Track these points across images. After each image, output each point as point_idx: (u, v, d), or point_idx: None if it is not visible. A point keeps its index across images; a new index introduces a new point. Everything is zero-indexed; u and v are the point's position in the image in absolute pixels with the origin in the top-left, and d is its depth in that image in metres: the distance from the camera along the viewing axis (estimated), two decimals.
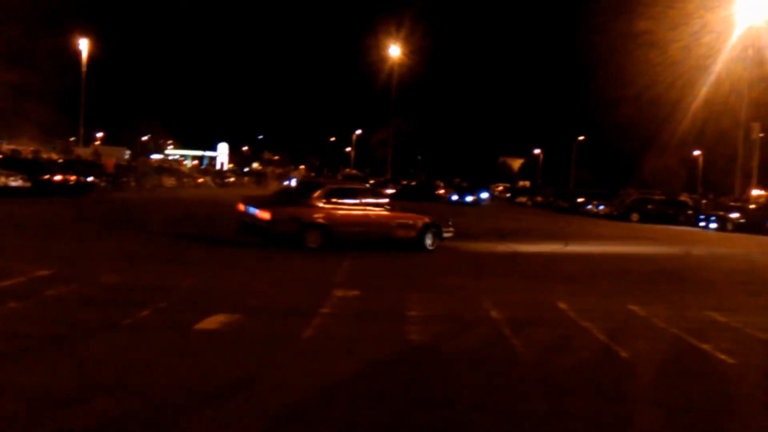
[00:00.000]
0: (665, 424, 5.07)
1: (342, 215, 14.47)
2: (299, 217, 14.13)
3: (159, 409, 4.69)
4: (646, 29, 43.96)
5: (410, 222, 15.39)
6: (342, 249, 14.03)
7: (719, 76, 39.99)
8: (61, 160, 37.69)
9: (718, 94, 42.27)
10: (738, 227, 32.68)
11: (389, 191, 48.05)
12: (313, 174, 69.87)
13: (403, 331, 7.36)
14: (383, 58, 54.24)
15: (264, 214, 14.10)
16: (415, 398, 5.26)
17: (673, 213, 39.01)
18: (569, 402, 5.37)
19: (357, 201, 14.96)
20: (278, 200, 15.70)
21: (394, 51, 52.91)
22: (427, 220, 15.49)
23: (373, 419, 4.77)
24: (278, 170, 79.50)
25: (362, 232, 14.80)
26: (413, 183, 56.25)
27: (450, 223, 16.36)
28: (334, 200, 14.58)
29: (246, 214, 14.90)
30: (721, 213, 35.14)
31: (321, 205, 14.37)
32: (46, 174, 27.90)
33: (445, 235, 15.95)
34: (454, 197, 50.44)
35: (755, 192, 44.06)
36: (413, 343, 6.91)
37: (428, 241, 15.39)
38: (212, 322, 7.30)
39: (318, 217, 14.20)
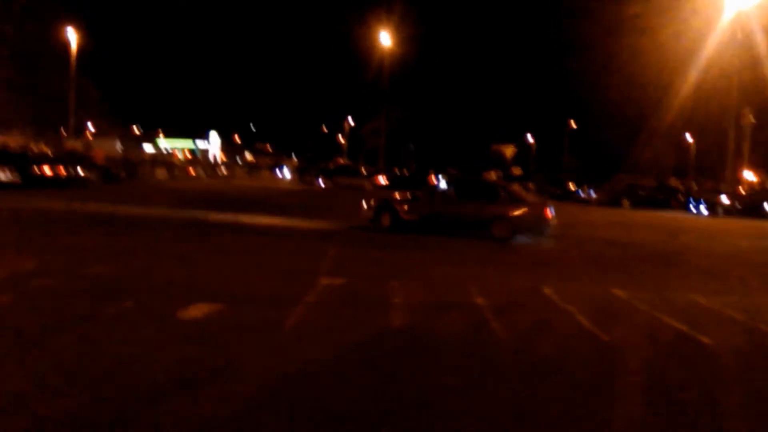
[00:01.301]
0: (639, 403, 5.15)
1: None
2: None
3: (134, 396, 4.74)
4: (636, 14, 43.89)
5: None
6: None
7: (709, 61, 40.05)
8: (51, 154, 37.55)
9: (707, 78, 42.35)
10: (729, 211, 32.89)
11: (382, 180, 48.11)
12: (305, 164, 69.71)
13: (387, 317, 7.43)
14: (374, 47, 54.07)
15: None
16: (391, 383, 5.33)
17: (663, 198, 39.26)
18: (548, 385, 5.45)
19: None
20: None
21: (385, 39, 52.73)
22: None
23: (348, 403, 4.82)
24: (269, 161, 79.33)
25: None
26: (405, 172, 56.28)
27: None
28: None
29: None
30: (712, 197, 35.35)
31: None
32: (35, 168, 27.81)
33: None
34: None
35: (748, 176, 44.28)
36: (395, 330, 6.98)
37: None
38: (195, 310, 7.35)
39: None
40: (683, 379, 5.80)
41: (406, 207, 17.13)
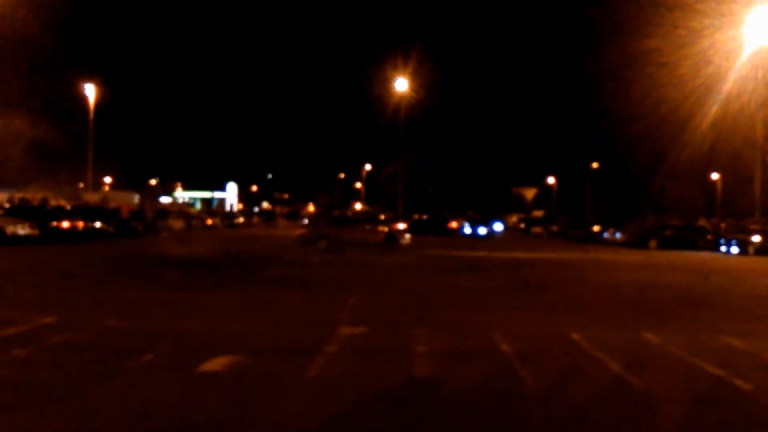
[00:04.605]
0: None
1: None
2: None
3: None
4: (654, 48, 43.47)
5: None
6: None
7: (729, 96, 39.53)
8: (69, 207, 38.03)
9: (728, 115, 41.81)
10: (761, 250, 32.04)
11: (401, 226, 47.93)
12: (320, 212, 70.16)
13: (409, 367, 7.20)
14: (391, 92, 54.25)
15: None
16: None
17: (692, 238, 38.42)
18: None
19: None
20: None
21: (402, 84, 52.94)
22: None
23: None
24: (286, 209, 79.67)
25: None
26: (424, 217, 56.15)
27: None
28: None
29: None
30: (743, 236, 34.51)
31: None
32: (53, 221, 28.15)
33: None
34: (467, 230, 50.34)
35: None
36: (418, 379, 6.75)
37: None
38: (216, 363, 7.19)
39: None
40: (724, 428, 5.48)
41: None
